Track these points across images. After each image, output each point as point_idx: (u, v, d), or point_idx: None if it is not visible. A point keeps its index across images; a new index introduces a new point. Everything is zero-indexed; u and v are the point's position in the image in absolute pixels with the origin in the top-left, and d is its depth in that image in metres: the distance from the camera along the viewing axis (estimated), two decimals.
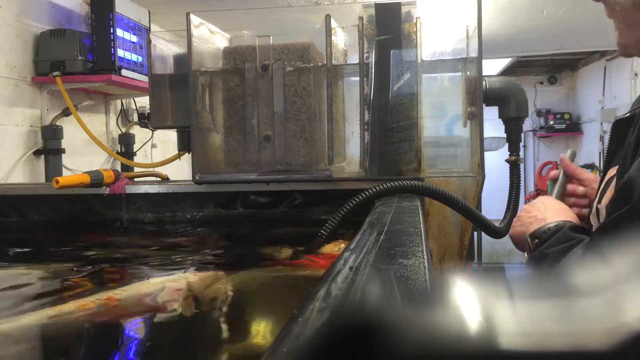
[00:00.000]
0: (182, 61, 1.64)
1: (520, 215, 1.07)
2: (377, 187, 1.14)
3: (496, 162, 2.50)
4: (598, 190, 0.98)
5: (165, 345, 0.67)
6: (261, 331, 0.67)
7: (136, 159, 3.08)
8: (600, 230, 0.85)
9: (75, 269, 1.08)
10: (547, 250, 0.93)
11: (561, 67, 7.21)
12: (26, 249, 1.32)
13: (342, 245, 1.05)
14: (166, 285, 0.84)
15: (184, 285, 0.84)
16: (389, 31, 1.51)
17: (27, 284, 0.99)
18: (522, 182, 1.67)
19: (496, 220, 1.52)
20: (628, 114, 0.92)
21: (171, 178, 1.82)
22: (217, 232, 1.58)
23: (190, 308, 0.76)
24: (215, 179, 1.56)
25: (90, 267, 1.10)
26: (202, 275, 0.89)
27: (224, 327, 0.71)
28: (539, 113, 7.27)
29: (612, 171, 0.93)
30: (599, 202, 0.94)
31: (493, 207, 2.55)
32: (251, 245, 1.41)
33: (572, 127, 7.10)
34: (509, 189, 1.63)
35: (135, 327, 0.71)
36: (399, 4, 1.51)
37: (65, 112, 2.52)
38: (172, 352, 0.65)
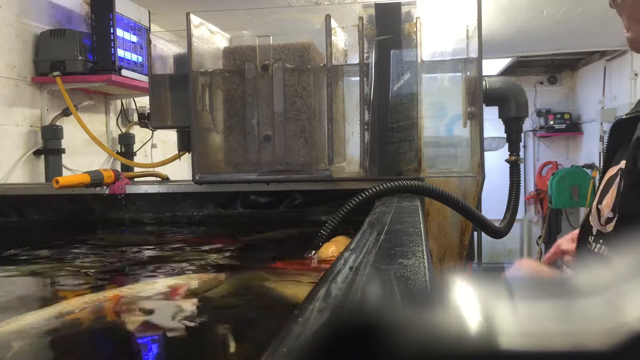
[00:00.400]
0: (182, 61, 1.64)
1: None
2: (377, 187, 1.14)
3: (496, 162, 2.50)
4: (598, 189, 0.97)
5: (167, 343, 0.67)
6: (258, 330, 0.67)
7: (136, 159, 3.08)
8: None
9: (78, 268, 1.08)
10: None
11: (561, 67, 7.22)
12: (30, 249, 1.33)
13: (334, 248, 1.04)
14: (169, 285, 0.85)
15: (187, 285, 0.85)
16: (389, 31, 1.51)
17: (32, 283, 0.99)
18: (522, 182, 1.67)
19: (496, 220, 1.52)
20: (631, 115, 0.92)
21: (171, 178, 1.82)
22: (218, 233, 1.58)
23: (192, 307, 0.77)
24: (215, 179, 1.56)
25: (92, 265, 1.10)
26: (203, 276, 0.90)
27: (225, 327, 0.71)
28: (539, 113, 7.27)
29: (612, 171, 0.93)
30: (600, 202, 0.93)
31: (493, 207, 2.55)
32: (253, 245, 1.40)
33: (572, 127, 7.10)
34: (509, 189, 1.63)
35: (138, 325, 0.71)
36: (399, 4, 1.52)
37: (65, 112, 2.52)
38: (174, 350, 0.65)
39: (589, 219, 0.98)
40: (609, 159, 0.97)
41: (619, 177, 0.88)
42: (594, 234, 0.94)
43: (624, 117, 0.95)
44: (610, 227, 0.88)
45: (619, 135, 0.96)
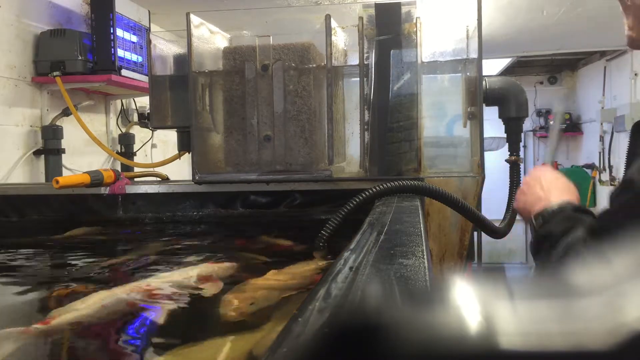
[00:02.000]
0: (182, 61, 1.64)
1: (523, 189, 1.06)
2: (377, 187, 1.14)
3: (496, 162, 2.50)
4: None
5: (199, 319, 0.77)
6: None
7: (136, 159, 3.08)
8: (604, 214, 0.86)
9: (101, 264, 1.12)
10: (549, 230, 0.92)
11: (561, 67, 7.21)
12: (37, 248, 1.35)
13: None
14: (195, 274, 0.94)
15: (211, 272, 0.96)
16: (389, 31, 1.51)
17: (60, 279, 1.05)
18: (522, 182, 1.67)
19: (496, 220, 1.52)
20: None
21: (171, 178, 1.82)
22: (219, 232, 1.58)
23: (217, 290, 0.88)
24: (215, 179, 1.56)
25: (96, 264, 1.14)
26: (221, 265, 1.01)
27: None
28: (539, 113, 7.27)
29: None
30: None
31: (493, 207, 2.55)
32: (253, 246, 1.41)
33: (572, 127, 7.10)
34: (509, 189, 1.63)
35: (174, 307, 0.81)
36: (399, 4, 1.51)
37: (65, 112, 2.52)
38: (204, 324, 0.73)
39: None
40: (630, 162, 0.94)
41: None
42: None
43: None
44: None
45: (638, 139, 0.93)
